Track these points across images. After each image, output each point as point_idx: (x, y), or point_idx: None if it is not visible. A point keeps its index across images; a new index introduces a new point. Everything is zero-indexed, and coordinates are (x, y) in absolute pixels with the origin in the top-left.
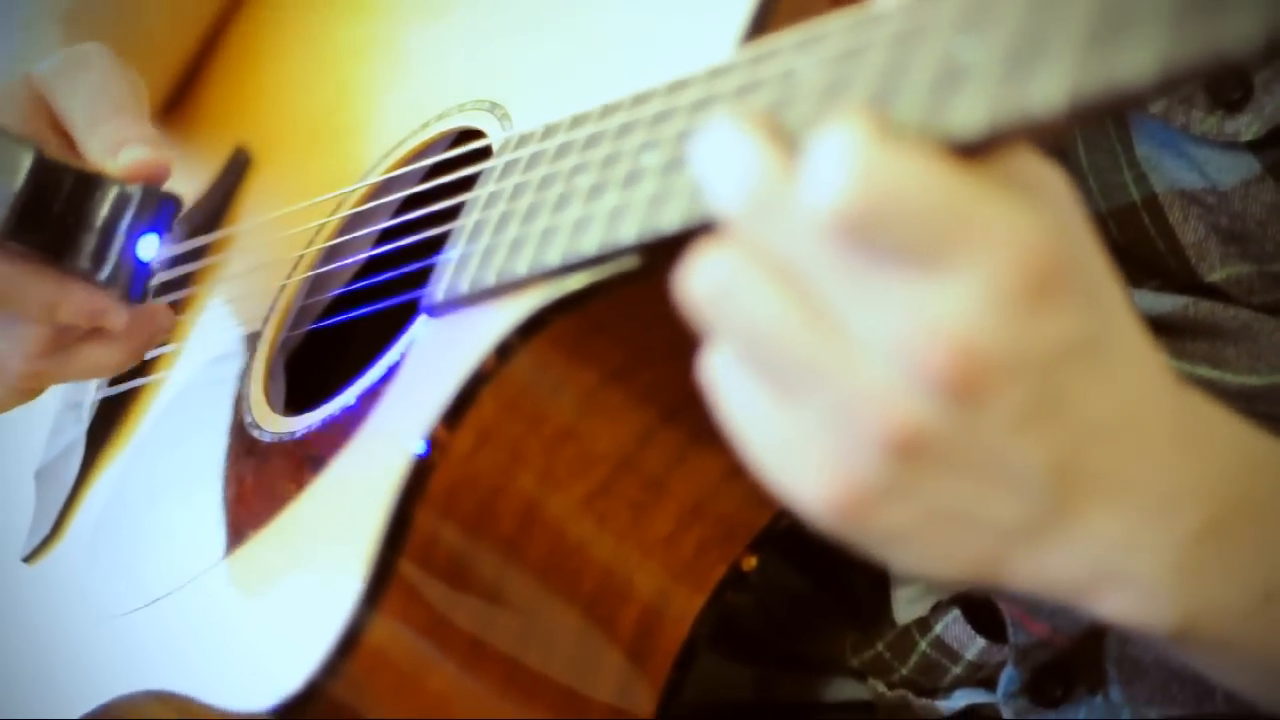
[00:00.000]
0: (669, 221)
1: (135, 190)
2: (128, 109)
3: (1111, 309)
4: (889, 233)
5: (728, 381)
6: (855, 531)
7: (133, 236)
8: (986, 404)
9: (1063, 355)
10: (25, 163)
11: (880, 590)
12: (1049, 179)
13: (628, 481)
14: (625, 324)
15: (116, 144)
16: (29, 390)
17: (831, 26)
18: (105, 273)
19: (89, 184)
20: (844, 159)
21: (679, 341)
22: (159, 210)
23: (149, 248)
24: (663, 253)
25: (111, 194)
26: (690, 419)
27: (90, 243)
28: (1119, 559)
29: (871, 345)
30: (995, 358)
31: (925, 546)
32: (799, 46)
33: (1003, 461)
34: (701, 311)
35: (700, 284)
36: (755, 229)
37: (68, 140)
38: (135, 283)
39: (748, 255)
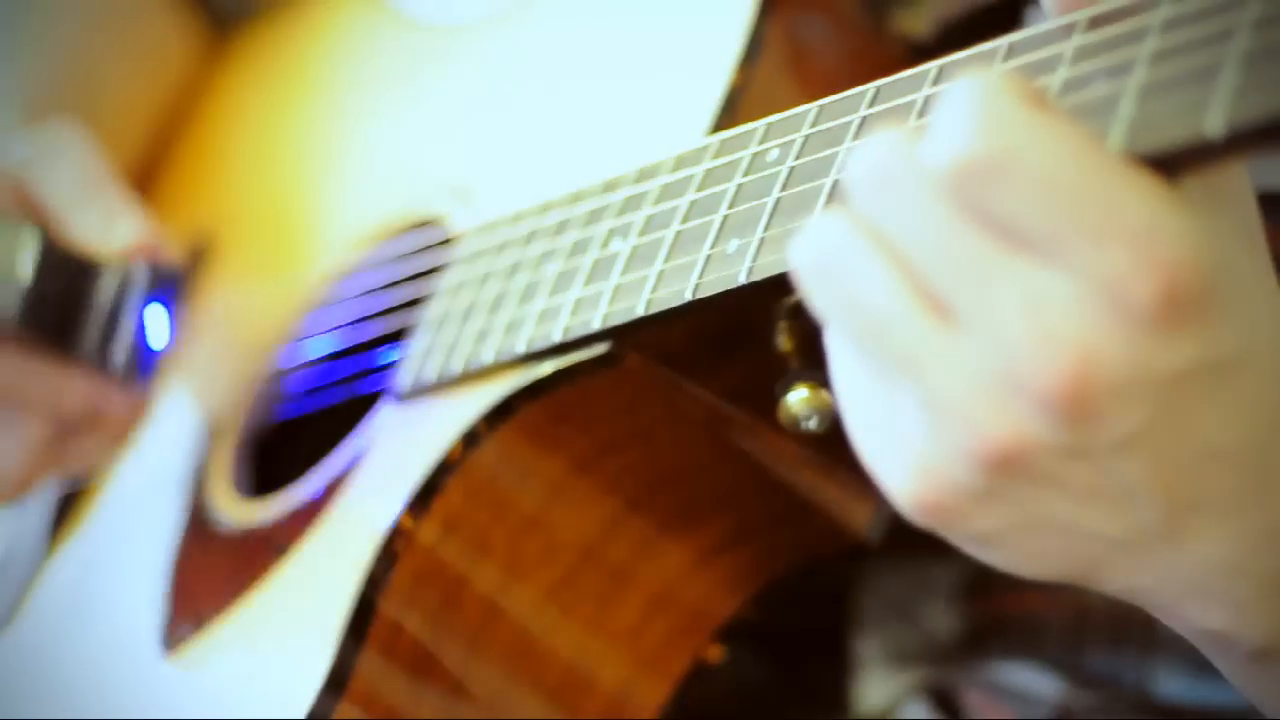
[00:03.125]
0: (638, 307)
1: (139, 270)
2: (112, 186)
3: (1254, 330)
4: (1015, 195)
5: (835, 350)
6: (940, 529)
7: (141, 316)
8: (1097, 425)
9: (1189, 379)
10: (31, 249)
11: (846, 680)
12: (1226, 181)
13: (593, 571)
14: (592, 412)
15: (108, 221)
16: (23, 487)
17: (801, 111)
18: (116, 357)
19: (93, 268)
20: (976, 105)
21: (645, 430)
22: (165, 287)
23: (159, 326)
24: (631, 338)
25: (116, 276)
26: (656, 509)
27: (96, 327)
28: (1218, 580)
29: (980, 340)
30: (1115, 380)
31: (1017, 550)
32: (770, 130)
33: (1108, 479)
34: (806, 284)
35: (807, 255)
36: (873, 195)
37: (47, 226)
38: (145, 364)
39: (860, 228)
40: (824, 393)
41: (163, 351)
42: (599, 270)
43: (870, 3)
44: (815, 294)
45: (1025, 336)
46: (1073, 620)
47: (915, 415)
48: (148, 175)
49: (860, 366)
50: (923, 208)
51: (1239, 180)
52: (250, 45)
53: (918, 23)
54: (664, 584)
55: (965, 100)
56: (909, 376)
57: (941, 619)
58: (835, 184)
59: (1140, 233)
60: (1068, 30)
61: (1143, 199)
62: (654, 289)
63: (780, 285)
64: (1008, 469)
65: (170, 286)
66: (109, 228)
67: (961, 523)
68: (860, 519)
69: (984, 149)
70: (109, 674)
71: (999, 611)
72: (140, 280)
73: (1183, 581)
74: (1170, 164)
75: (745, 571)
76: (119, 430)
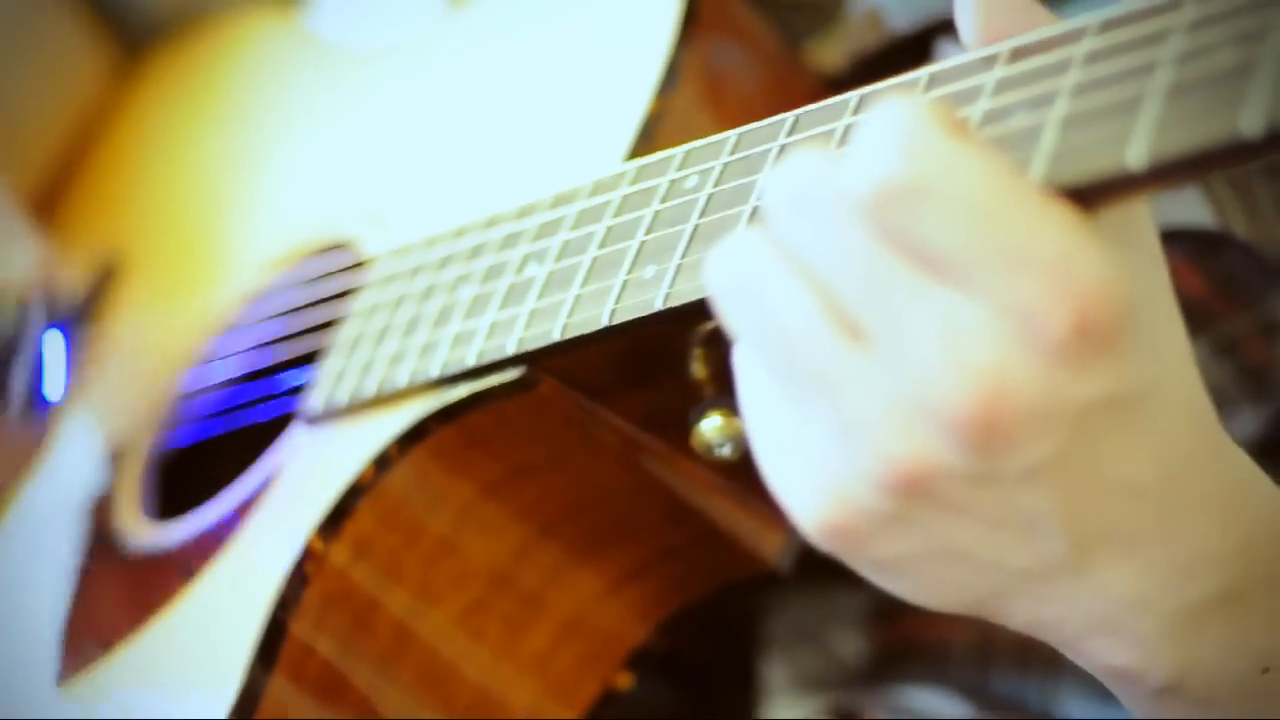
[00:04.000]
0: (554, 332)
1: (38, 298)
2: (6, 212)
3: (1163, 364)
4: (932, 220)
5: (743, 368)
6: (844, 554)
7: (40, 347)
8: (1005, 453)
9: (1098, 410)
10: None
11: (754, 705)
12: (1136, 218)
13: (504, 596)
14: (505, 436)
15: (2, 250)
16: None
17: (721, 139)
18: (13, 388)
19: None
20: (896, 129)
21: (558, 455)
22: (64, 315)
23: (57, 356)
24: (546, 363)
25: (12, 305)
26: (568, 534)
27: None
28: (1124, 615)
29: (892, 363)
30: (1024, 408)
31: (921, 578)
32: (689, 157)
33: (1013, 508)
34: (719, 301)
35: (722, 272)
36: (790, 215)
37: None
38: (41, 396)
39: (776, 247)
40: (737, 420)
41: (60, 383)
42: (514, 294)
43: (786, 34)
44: (728, 311)
45: (937, 361)
46: (979, 644)
47: (823, 437)
48: (55, 195)
49: (770, 387)
50: (839, 229)
51: (1146, 216)
52: (161, 66)
53: (831, 55)
54: (575, 610)
55: (886, 125)
56: (819, 397)
57: (849, 644)
58: (754, 211)
59: (1055, 263)
60: (990, 61)
61: (1059, 230)
62: (570, 314)
63: (696, 312)
64: (914, 493)
65: (69, 315)
66: (3, 257)
67: (866, 548)
68: (772, 547)
69: (903, 173)
70: (6, 701)
71: (906, 636)
72: (39, 309)
73: (1088, 616)
74: (1091, 195)
75: (656, 599)
76: (9, 462)
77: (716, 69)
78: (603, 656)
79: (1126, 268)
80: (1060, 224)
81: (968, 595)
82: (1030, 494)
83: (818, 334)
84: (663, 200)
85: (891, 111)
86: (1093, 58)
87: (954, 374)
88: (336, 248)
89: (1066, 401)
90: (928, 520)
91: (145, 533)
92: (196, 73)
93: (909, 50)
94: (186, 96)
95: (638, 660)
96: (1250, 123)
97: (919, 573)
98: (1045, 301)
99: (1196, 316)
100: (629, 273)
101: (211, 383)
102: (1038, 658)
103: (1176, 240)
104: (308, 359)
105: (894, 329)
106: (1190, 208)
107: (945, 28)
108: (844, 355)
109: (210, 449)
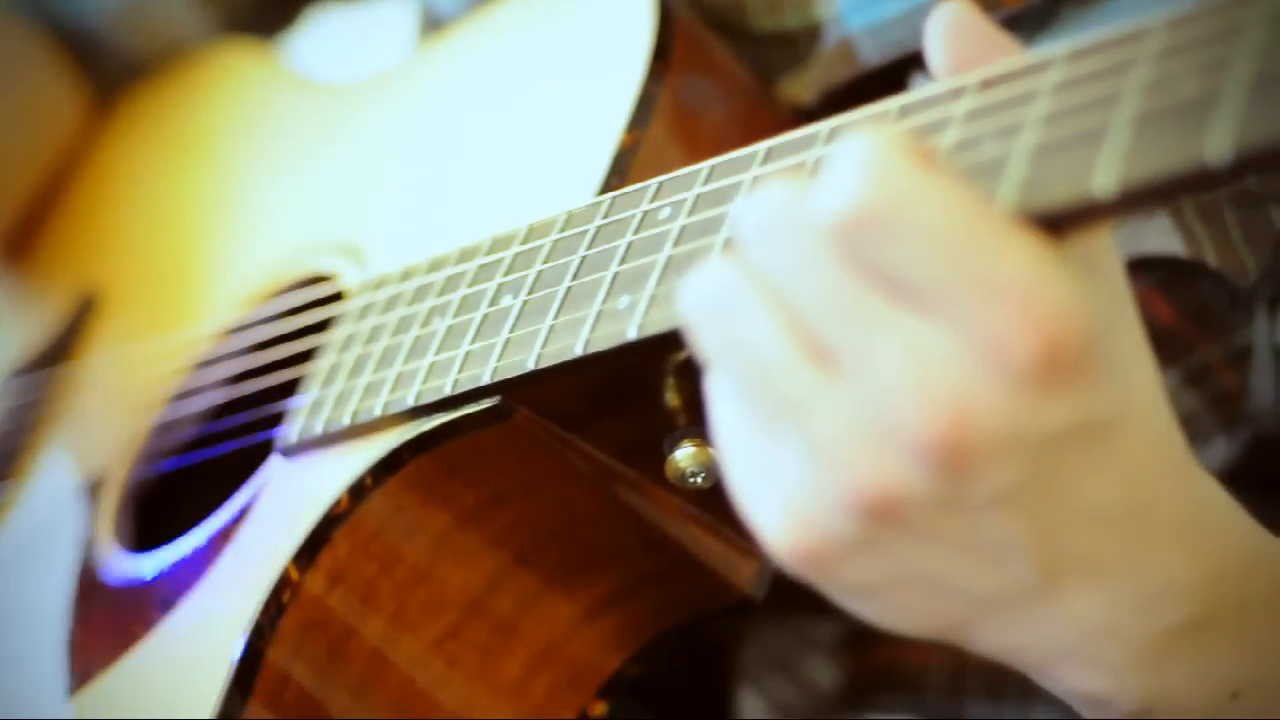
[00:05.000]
0: (529, 362)
1: None
2: None
3: (1130, 393)
4: (900, 248)
5: (716, 395)
6: (814, 579)
7: None
8: (971, 479)
9: (1065, 439)
10: None
11: None
12: (1101, 250)
13: (478, 624)
14: (480, 466)
15: None
16: None
17: (693, 170)
18: None
19: None
20: (865, 160)
21: (533, 485)
22: None
23: None
24: (520, 393)
25: None
26: (543, 563)
27: None
28: (1093, 642)
29: (861, 389)
30: (990, 436)
31: (891, 603)
32: (662, 188)
33: (981, 534)
34: (692, 327)
35: (695, 299)
36: (762, 243)
37: None
38: None
39: (748, 274)
40: (710, 449)
41: None
42: (489, 325)
43: (758, 68)
44: (701, 338)
45: (904, 387)
46: (952, 671)
47: (794, 462)
48: (32, 233)
49: (742, 413)
50: (809, 257)
51: (1110, 247)
52: (138, 102)
53: (803, 88)
54: (550, 638)
55: (855, 155)
56: (789, 422)
57: (823, 672)
58: (726, 242)
59: (1022, 292)
60: (959, 92)
61: (1025, 259)
62: (545, 344)
63: (670, 342)
64: (882, 518)
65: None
66: None
67: (836, 572)
68: (746, 575)
69: (871, 202)
70: None
71: (880, 663)
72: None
73: (1056, 642)
74: (1059, 223)
75: (631, 627)
76: None
77: (689, 102)
78: (577, 684)
79: (1092, 297)
80: (1026, 253)
81: (937, 620)
82: (998, 521)
83: (788, 360)
84: (636, 231)
85: (860, 143)
86: (1060, 87)
87: (920, 399)
88: (314, 280)
89: (1032, 428)
90: (897, 545)
91: (123, 564)
92: (173, 108)
93: (880, 83)
94: (163, 131)
95: (612, 688)
96: (1215, 151)
97: (888, 597)
98: (1011, 329)
99: (1168, 345)
100: (603, 303)
101: (188, 415)
102: (1011, 685)
103: (1148, 269)
104: (284, 391)
105: (862, 355)
106: (1161, 237)
107: (916, 60)
108: (814, 381)
109: (187, 481)
